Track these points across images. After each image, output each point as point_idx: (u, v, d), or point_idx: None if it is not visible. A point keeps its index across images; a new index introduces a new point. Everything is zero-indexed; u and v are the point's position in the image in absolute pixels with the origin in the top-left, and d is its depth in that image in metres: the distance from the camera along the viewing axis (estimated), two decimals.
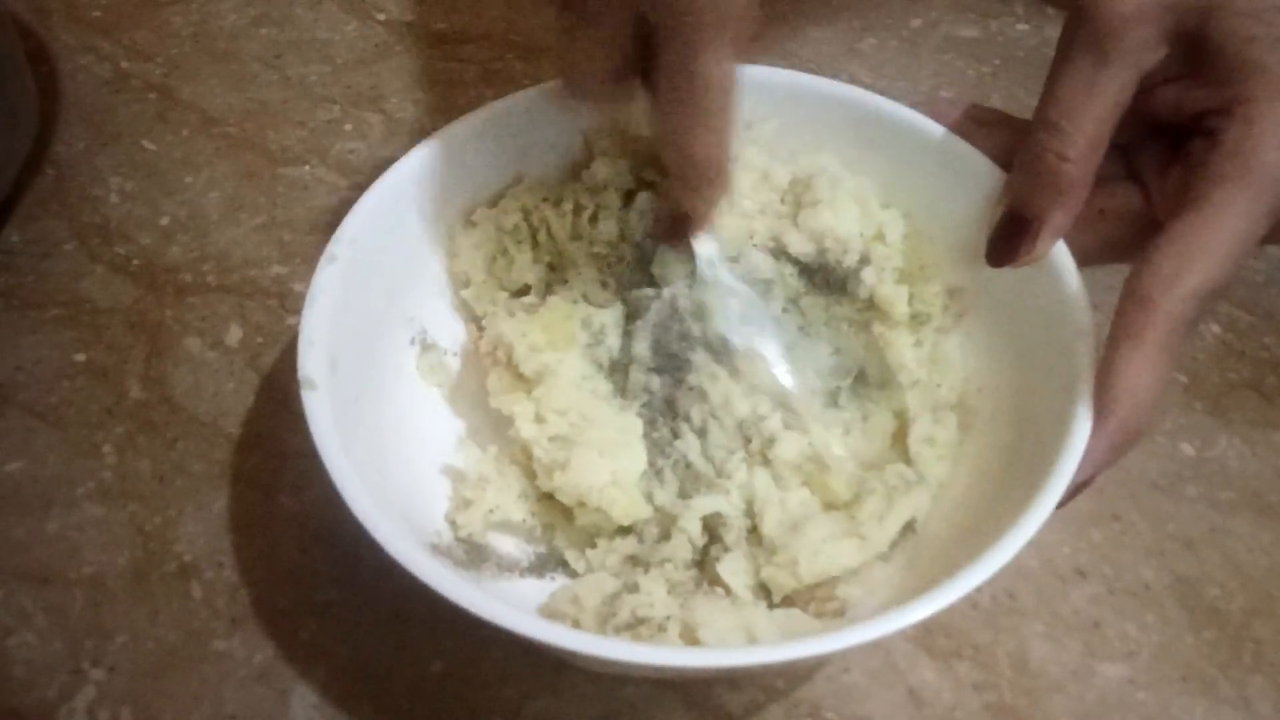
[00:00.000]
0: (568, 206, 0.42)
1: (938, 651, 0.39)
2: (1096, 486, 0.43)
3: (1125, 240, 0.37)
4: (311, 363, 0.34)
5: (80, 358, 0.47)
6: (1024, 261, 0.37)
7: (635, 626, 0.34)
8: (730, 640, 0.34)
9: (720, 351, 0.40)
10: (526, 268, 0.42)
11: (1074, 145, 0.35)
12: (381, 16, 0.62)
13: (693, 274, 0.40)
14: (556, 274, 0.43)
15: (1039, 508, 0.31)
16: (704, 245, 0.40)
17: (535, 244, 0.42)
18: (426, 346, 0.42)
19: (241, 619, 0.40)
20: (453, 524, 0.38)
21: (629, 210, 0.42)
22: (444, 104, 0.57)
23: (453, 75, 0.59)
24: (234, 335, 0.48)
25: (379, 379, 0.39)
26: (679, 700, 0.38)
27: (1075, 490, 0.33)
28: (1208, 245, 0.32)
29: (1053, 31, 0.60)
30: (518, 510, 0.39)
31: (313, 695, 0.38)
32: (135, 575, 0.41)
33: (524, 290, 0.42)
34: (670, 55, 0.33)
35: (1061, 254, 0.37)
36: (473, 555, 0.38)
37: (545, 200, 0.42)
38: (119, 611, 0.40)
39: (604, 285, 0.42)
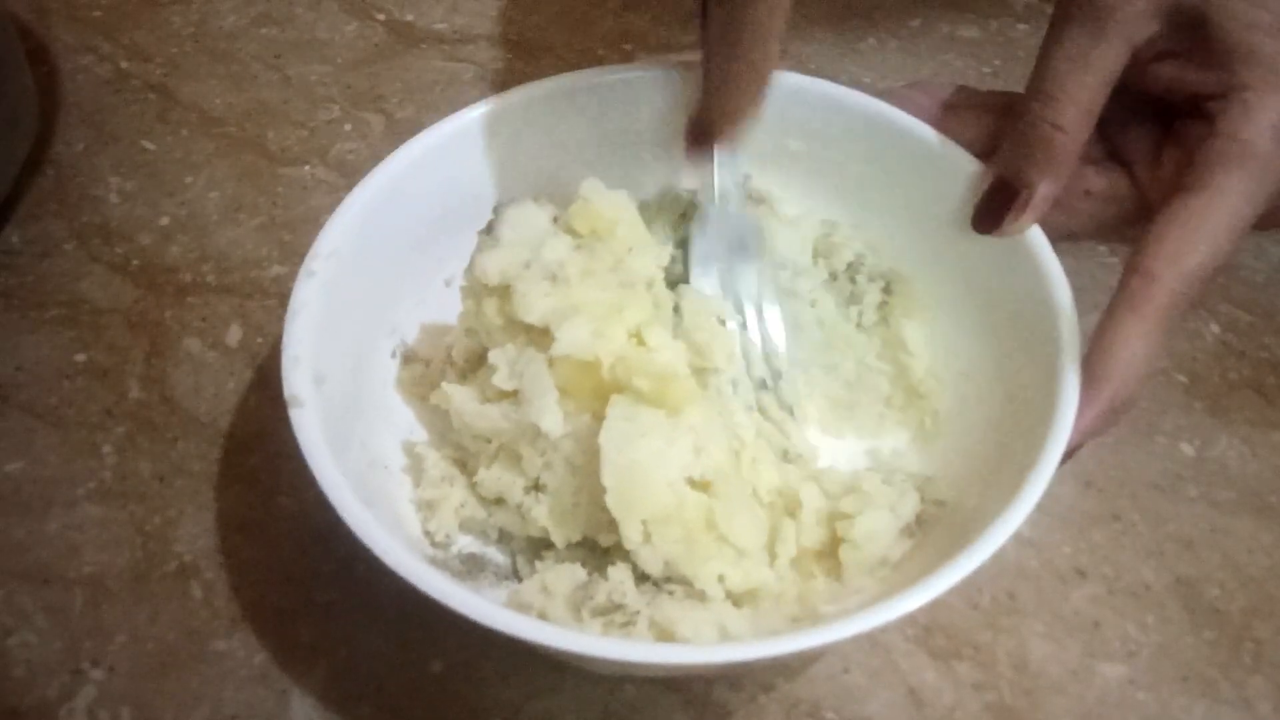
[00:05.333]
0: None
1: (938, 651, 0.39)
2: (1097, 486, 0.43)
3: (1110, 220, 0.38)
4: (297, 380, 0.34)
5: (80, 358, 0.47)
6: (1009, 231, 0.37)
7: (610, 612, 0.34)
8: (706, 637, 0.34)
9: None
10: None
11: (1066, 115, 0.35)
12: (381, 16, 0.62)
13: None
14: None
15: (1026, 498, 0.32)
16: (725, 158, 0.39)
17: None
18: (408, 359, 0.41)
19: (241, 619, 0.40)
20: (428, 534, 0.38)
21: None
22: (444, 104, 0.57)
23: (453, 75, 0.59)
24: (234, 335, 0.48)
25: (365, 392, 0.39)
26: (679, 700, 0.38)
27: (1064, 459, 0.33)
28: (1209, 226, 0.33)
29: None
30: (479, 509, 0.39)
31: (312, 695, 0.38)
32: (135, 575, 0.41)
33: None
34: (716, 21, 0.35)
35: (1037, 236, 0.37)
36: (470, 565, 0.38)
37: None
38: (119, 611, 0.40)
39: None
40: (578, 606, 0.35)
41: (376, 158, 0.40)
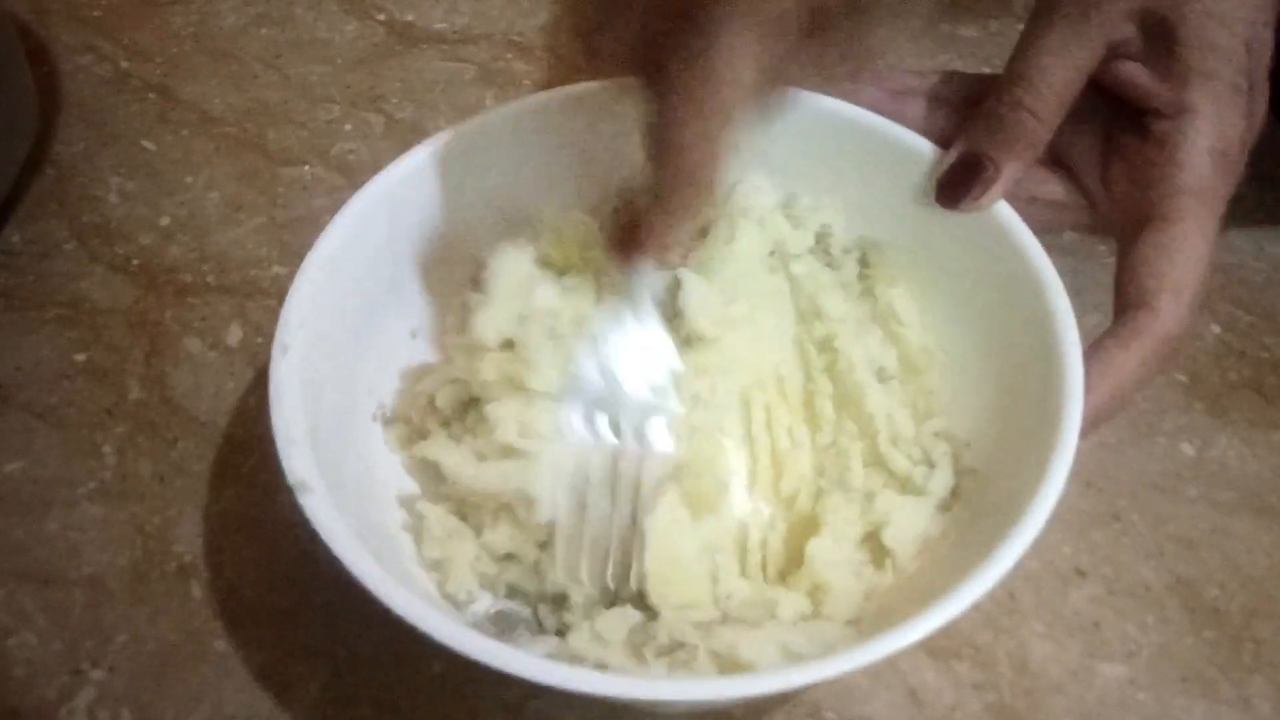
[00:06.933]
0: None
1: (938, 651, 0.39)
2: (1097, 486, 0.43)
3: (1053, 223, 0.39)
4: (299, 465, 0.33)
5: (80, 358, 0.47)
6: (970, 207, 0.38)
7: (674, 651, 0.34)
8: (769, 658, 0.33)
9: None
10: None
11: (1043, 101, 0.36)
12: (381, 16, 0.62)
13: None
14: None
15: (1044, 498, 0.31)
16: (648, 273, 0.35)
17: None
18: (388, 421, 0.40)
19: (241, 619, 0.40)
20: (448, 597, 0.37)
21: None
22: (444, 104, 0.57)
23: (453, 75, 0.59)
24: (234, 335, 0.48)
25: (357, 457, 0.38)
26: None
27: None
28: (1195, 256, 0.35)
29: None
30: (491, 565, 0.38)
31: (312, 695, 0.38)
32: (135, 575, 0.41)
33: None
34: (659, 122, 0.31)
35: (1025, 233, 0.37)
36: (501, 625, 0.37)
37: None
38: (119, 611, 0.40)
39: None
40: (638, 649, 0.34)
41: (376, 157, 0.40)
